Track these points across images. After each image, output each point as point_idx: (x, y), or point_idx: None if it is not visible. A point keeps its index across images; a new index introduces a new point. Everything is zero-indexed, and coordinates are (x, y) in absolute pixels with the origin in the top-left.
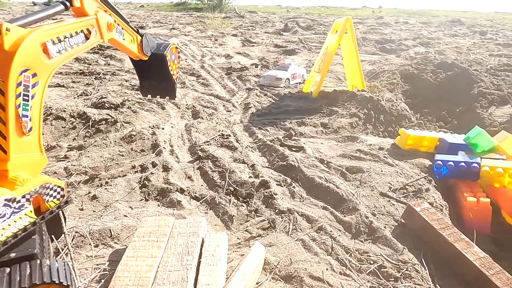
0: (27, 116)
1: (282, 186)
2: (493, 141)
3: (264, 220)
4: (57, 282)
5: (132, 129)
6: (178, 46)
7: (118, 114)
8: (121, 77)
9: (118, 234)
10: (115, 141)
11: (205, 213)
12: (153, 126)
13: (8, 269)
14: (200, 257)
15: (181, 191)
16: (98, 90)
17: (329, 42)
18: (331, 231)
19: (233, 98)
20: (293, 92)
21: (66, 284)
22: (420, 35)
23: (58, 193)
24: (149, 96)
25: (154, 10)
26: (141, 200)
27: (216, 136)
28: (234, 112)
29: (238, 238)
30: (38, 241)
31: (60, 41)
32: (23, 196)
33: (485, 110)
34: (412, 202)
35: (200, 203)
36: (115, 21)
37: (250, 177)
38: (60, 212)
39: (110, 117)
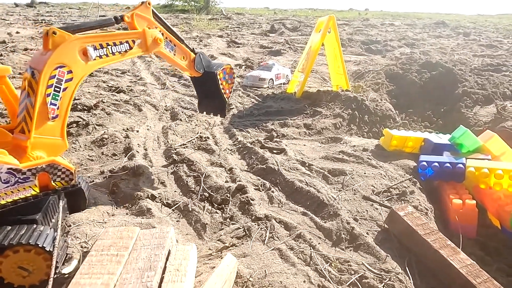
0: (55, 105)
1: (260, 191)
2: (478, 141)
3: (239, 228)
4: (40, 246)
5: (104, 132)
6: (234, 68)
7: (91, 116)
8: (99, 78)
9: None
10: (86, 145)
11: (177, 221)
12: (127, 129)
13: (9, 227)
14: (164, 272)
15: (152, 197)
16: None
17: (313, 41)
18: (310, 239)
19: None
20: (276, 92)
21: (48, 250)
22: (405, 36)
23: (67, 175)
24: (204, 112)
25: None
26: (108, 208)
27: (194, 139)
28: None
29: (209, 249)
30: (44, 211)
31: (102, 47)
32: (29, 170)
33: (470, 109)
34: (396, 206)
35: (172, 210)
36: (166, 38)
37: (226, 181)
38: (85, 189)
39: (81, 120)
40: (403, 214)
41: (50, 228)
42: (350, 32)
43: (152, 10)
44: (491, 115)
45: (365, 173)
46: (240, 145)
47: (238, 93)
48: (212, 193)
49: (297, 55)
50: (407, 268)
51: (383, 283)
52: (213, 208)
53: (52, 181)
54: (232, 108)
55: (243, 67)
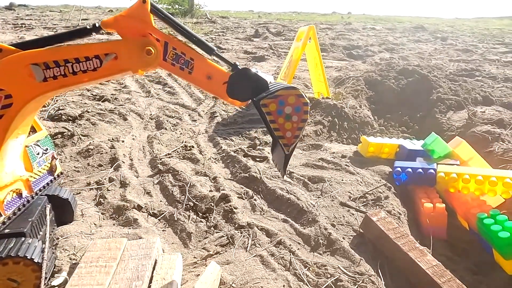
0: None
1: (243, 199)
2: (448, 147)
3: (223, 236)
4: (28, 257)
5: (90, 142)
6: (304, 94)
7: (76, 126)
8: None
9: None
10: (71, 156)
11: (163, 230)
12: (113, 139)
13: None
14: (151, 281)
15: (139, 208)
16: (56, 101)
17: (294, 50)
18: (290, 245)
19: (199, 107)
20: None
21: (36, 261)
22: (385, 41)
23: None
24: (273, 162)
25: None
26: (95, 219)
27: (179, 148)
28: (200, 121)
29: (194, 257)
30: (32, 223)
31: (57, 65)
32: None
33: (444, 115)
34: (370, 211)
35: (159, 220)
36: (174, 48)
37: (210, 190)
38: (72, 201)
39: (66, 130)
40: (376, 219)
41: (38, 241)
42: (332, 36)
43: (154, 8)
44: (463, 120)
45: (342, 180)
46: (224, 154)
47: (222, 100)
48: (197, 202)
49: (280, 61)
50: (379, 270)
51: (357, 285)
52: (197, 217)
53: None
54: (217, 116)
55: None
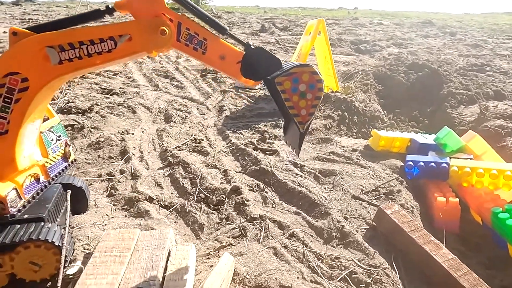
0: (4, 118)
1: (254, 192)
2: (461, 141)
3: (235, 228)
4: (49, 241)
5: (100, 135)
6: (318, 71)
7: (86, 119)
8: (91, 80)
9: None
10: (82, 148)
11: (175, 222)
12: (123, 132)
13: (18, 226)
14: (165, 271)
15: (150, 199)
16: (66, 94)
17: (303, 44)
18: (303, 237)
19: (207, 101)
20: (268, 94)
21: (56, 245)
22: (393, 36)
23: None
24: (286, 142)
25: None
26: (107, 210)
27: (189, 141)
28: (208, 115)
29: (207, 248)
30: (50, 209)
31: (72, 47)
32: None
33: (455, 109)
34: (383, 204)
35: (170, 211)
36: (187, 28)
37: (222, 183)
38: (86, 190)
39: (76, 123)
40: (389, 212)
41: (57, 225)
42: (339, 31)
43: None
44: (474, 115)
45: (354, 173)
46: (233, 147)
47: (230, 94)
48: (208, 195)
49: (288, 56)
50: (393, 263)
51: (371, 278)
52: (209, 209)
53: None
54: (225, 110)
55: None
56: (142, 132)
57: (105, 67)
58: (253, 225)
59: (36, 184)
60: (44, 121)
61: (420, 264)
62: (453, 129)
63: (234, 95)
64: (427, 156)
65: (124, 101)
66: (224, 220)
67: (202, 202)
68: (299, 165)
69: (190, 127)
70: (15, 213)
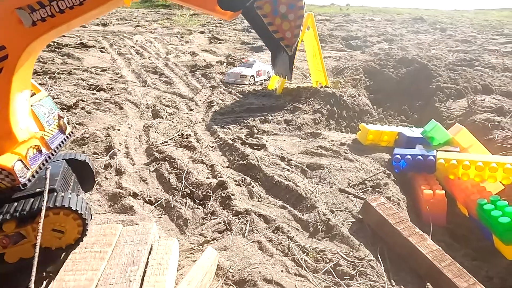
0: None
1: (241, 186)
2: (448, 134)
3: (220, 223)
4: (66, 206)
5: (85, 131)
6: None
7: (71, 115)
8: (78, 76)
9: None
10: (66, 145)
11: (159, 217)
12: (108, 128)
13: (32, 199)
14: (146, 266)
15: (134, 195)
16: (51, 90)
17: None
18: (288, 231)
19: (196, 97)
20: (257, 89)
21: (74, 209)
22: (384, 32)
23: (6, 176)
24: (277, 74)
25: (120, 6)
26: (91, 206)
27: (176, 136)
28: (197, 110)
29: (191, 243)
30: (59, 181)
31: (42, 5)
32: None
33: (443, 103)
34: (369, 197)
35: (154, 207)
36: None
37: (207, 178)
38: (90, 163)
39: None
40: (375, 204)
41: (70, 193)
42: (331, 27)
43: None
44: (462, 108)
45: (341, 167)
46: (221, 142)
47: (219, 90)
48: (194, 190)
49: None
50: (379, 255)
51: (356, 270)
52: (194, 204)
53: None
54: (214, 105)
55: (225, 63)
56: (129, 128)
57: (82, 22)
58: (239, 219)
59: (39, 155)
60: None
61: (405, 255)
62: (442, 123)
63: (224, 90)
64: (415, 149)
65: (111, 97)
66: (209, 215)
67: (187, 197)
68: (286, 159)
69: (178, 122)
70: (26, 182)
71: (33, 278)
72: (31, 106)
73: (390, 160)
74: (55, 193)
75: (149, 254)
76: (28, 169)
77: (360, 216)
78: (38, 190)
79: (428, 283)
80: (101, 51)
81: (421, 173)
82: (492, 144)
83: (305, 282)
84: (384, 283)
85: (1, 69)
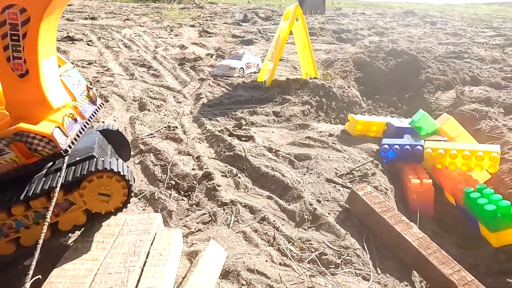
0: (20, 58)
1: (227, 177)
2: (436, 123)
3: (205, 214)
4: (108, 168)
5: None
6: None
7: None
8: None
9: None
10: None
11: (143, 210)
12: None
13: (74, 167)
14: (147, 256)
15: None
16: None
17: (281, 30)
18: (274, 221)
19: (184, 89)
20: (247, 81)
21: (117, 171)
22: (375, 25)
23: (47, 143)
24: (306, 12)
25: (109, 0)
26: None
27: (162, 128)
28: (185, 103)
29: None
30: (97, 149)
31: None
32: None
33: (432, 95)
34: (356, 186)
35: (138, 199)
36: None
37: (193, 169)
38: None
39: None
40: (362, 194)
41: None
42: (322, 21)
43: None
44: (451, 99)
45: (329, 157)
46: (208, 134)
47: (208, 82)
48: (179, 181)
49: (269, 44)
50: (365, 244)
51: (341, 259)
52: (179, 196)
53: (32, 151)
54: (202, 98)
55: (214, 56)
56: (114, 120)
57: None
58: (224, 210)
59: (74, 123)
60: None
61: (391, 244)
62: (431, 114)
63: (212, 83)
64: (403, 139)
65: (97, 89)
66: (194, 206)
67: (172, 189)
68: (274, 150)
69: (165, 115)
70: (67, 148)
71: (33, 267)
72: (60, 76)
73: (379, 150)
74: (95, 159)
75: (151, 244)
76: (66, 136)
77: (347, 206)
78: (78, 158)
79: (414, 271)
80: (88, 44)
81: (409, 163)
82: (480, 133)
83: (289, 272)
84: (370, 271)
85: (25, 34)
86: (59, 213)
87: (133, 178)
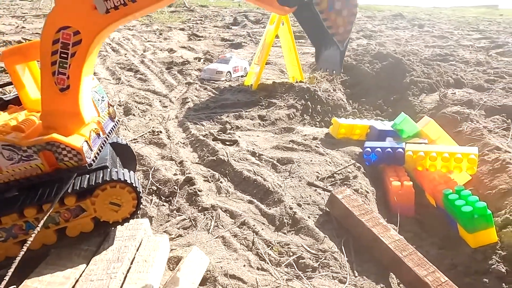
0: (64, 74)
1: (209, 182)
2: (417, 126)
3: (185, 219)
4: (122, 180)
5: None
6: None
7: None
8: None
9: None
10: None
11: None
12: None
13: (88, 175)
14: (132, 262)
15: None
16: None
17: (267, 34)
18: (254, 225)
19: (171, 93)
20: (233, 85)
21: (129, 182)
22: (364, 28)
23: (74, 155)
24: (321, 70)
25: None
26: None
27: (146, 133)
28: (171, 107)
29: None
30: (109, 159)
31: None
32: (30, 148)
33: (416, 97)
34: (335, 190)
35: None
36: None
37: (175, 174)
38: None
39: None
40: (341, 197)
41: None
42: None
43: None
44: (434, 102)
45: (311, 161)
46: (193, 138)
47: (195, 86)
48: (160, 186)
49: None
50: (343, 247)
51: (319, 262)
52: (160, 201)
53: (58, 161)
54: (188, 102)
55: (202, 60)
56: None
57: (152, 10)
58: (204, 215)
59: (98, 138)
60: None
61: (369, 246)
62: (415, 116)
63: (199, 87)
64: (385, 142)
65: None
66: (175, 211)
67: (153, 194)
68: (257, 154)
69: (150, 119)
70: (91, 162)
71: (11, 269)
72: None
73: (361, 153)
74: (109, 169)
75: (137, 250)
76: (91, 150)
77: (327, 209)
78: (92, 167)
79: (391, 273)
80: None
81: (391, 166)
82: (461, 135)
83: (266, 276)
84: (347, 274)
85: (74, 53)
86: (69, 219)
87: (142, 191)
